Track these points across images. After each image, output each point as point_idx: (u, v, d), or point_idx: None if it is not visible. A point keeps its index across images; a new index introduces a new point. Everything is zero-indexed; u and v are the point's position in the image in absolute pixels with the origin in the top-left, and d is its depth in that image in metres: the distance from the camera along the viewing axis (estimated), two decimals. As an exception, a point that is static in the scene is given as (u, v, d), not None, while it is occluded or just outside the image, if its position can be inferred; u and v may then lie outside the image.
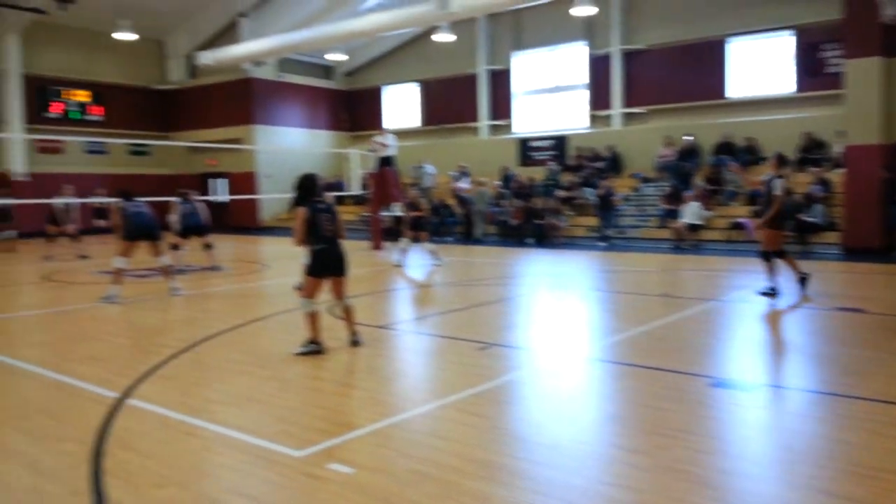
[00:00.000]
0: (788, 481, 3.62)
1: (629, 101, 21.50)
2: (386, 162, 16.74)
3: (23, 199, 18.68)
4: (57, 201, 17.04)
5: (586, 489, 3.53)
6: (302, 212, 6.31)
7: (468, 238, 19.48)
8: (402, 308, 9.83)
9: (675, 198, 17.11)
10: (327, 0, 21.57)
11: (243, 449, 4.13)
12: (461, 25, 22.61)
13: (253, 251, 18.37)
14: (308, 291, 6.42)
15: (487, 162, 22.52)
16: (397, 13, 19.08)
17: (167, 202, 13.99)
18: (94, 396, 5.18)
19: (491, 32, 24.19)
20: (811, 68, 18.21)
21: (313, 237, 6.34)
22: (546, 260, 14.79)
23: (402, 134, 22.00)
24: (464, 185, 21.15)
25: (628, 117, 21.58)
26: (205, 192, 25.28)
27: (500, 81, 24.15)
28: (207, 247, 13.41)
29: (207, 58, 23.22)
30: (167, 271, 10.26)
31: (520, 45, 23.48)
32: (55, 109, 23.98)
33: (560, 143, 22.30)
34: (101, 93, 25.04)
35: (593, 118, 22.22)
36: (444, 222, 19.84)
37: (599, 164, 20.46)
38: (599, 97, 21.94)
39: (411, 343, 7.31)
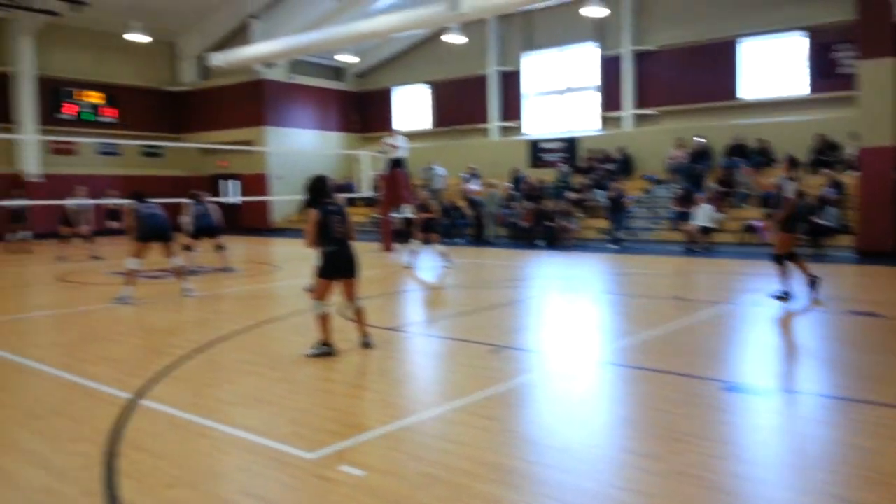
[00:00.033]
0: (801, 486, 3.60)
1: (640, 102, 21.44)
2: (396, 163, 16.76)
3: (36, 201, 18.80)
4: (70, 202, 17.16)
5: (598, 493, 3.52)
6: (313, 214, 6.33)
7: (478, 240, 19.47)
8: (413, 310, 9.83)
9: (687, 200, 17.04)
10: (338, 2, 21.62)
11: (255, 450, 4.14)
12: (471, 26, 22.62)
13: (264, 252, 18.44)
14: (319, 293, 6.43)
15: (498, 163, 22.51)
16: (408, 14, 19.11)
17: (180, 203, 14.05)
18: (107, 397, 5.21)
19: (501, 33, 24.18)
20: (824, 69, 18.10)
21: (324, 239, 6.35)
22: (557, 262, 14.76)
23: (412, 135, 22.04)
24: (474, 186, 21.15)
25: (639, 119, 21.52)
26: (216, 194, 25.40)
27: (511, 83, 24.14)
28: (219, 248, 13.48)
29: (219, 59, 23.34)
30: (180, 272, 10.32)
31: (530, 46, 23.46)
32: (68, 111, 24.17)
33: (571, 144, 22.26)
34: (114, 94, 25.24)
35: (604, 120, 22.17)
36: (455, 224, 19.84)
37: (610, 166, 20.41)
38: (610, 98, 21.89)
39: (422, 345, 7.31)
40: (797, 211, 8.97)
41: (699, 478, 3.64)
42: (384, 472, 3.77)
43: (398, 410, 4.97)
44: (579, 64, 22.67)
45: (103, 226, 18.77)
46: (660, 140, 20.22)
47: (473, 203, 20.20)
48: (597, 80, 22.23)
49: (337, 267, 6.42)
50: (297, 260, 14.58)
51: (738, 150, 18.39)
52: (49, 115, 23.51)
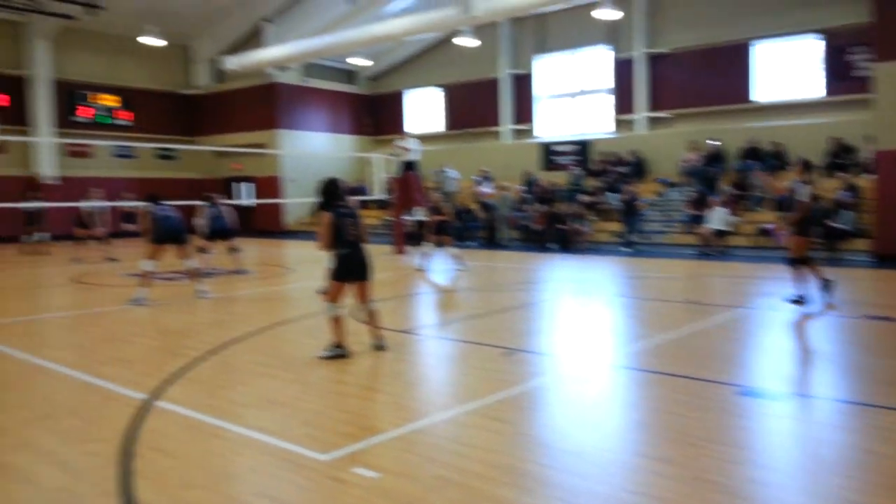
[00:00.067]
0: (817, 492, 3.57)
1: (653, 105, 21.38)
2: (409, 166, 16.79)
3: (52, 203, 18.97)
4: (85, 205, 17.30)
5: (611, 497, 3.51)
6: (326, 217, 6.35)
7: (491, 243, 19.47)
8: (426, 313, 9.84)
9: (701, 203, 16.95)
10: (351, 5, 21.70)
11: (269, 451, 4.16)
12: (484, 29, 22.63)
13: (277, 255, 18.51)
14: (332, 295, 6.45)
15: (510, 166, 22.49)
16: (420, 18, 19.15)
17: (194, 206, 14.14)
18: (122, 398, 5.25)
19: (514, 36, 24.19)
20: (839, 72, 17.97)
21: (337, 242, 6.37)
22: (569, 265, 14.72)
23: (424, 138, 22.05)
24: (486, 189, 21.14)
25: (652, 121, 21.46)
26: (230, 196, 25.53)
27: (523, 85, 24.14)
28: (233, 250, 13.56)
29: (232, 63, 23.48)
30: (194, 274, 10.38)
31: (543, 48, 23.45)
32: (84, 114, 24.40)
33: (583, 147, 22.21)
34: (129, 97, 25.45)
35: (617, 122, 22.12)
36: (467, 227, 19.84)
37: (623, 169, 20.35)
38: (623, 101, 21.84)
39: (435, 348, 7.32)
40: (811, 214, 8.90)
41: (714, 482, 3.61)
42: (397, 475, 3.77)
43: (411, 413, 4.97)
44: (592, 67, 22.63)
45: (118, 228, 18.93)
46: (673, 143, 20.14)
47: (486, 206, 20.20)
48: (610, 82, 22.18)
49: (350, 269, 6.44)
50: (310, 262, 14.63)
51: (752, 153, 18.29)
52: (65, 118, 23.74)
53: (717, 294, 10.85)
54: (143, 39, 21.97)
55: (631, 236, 17.38)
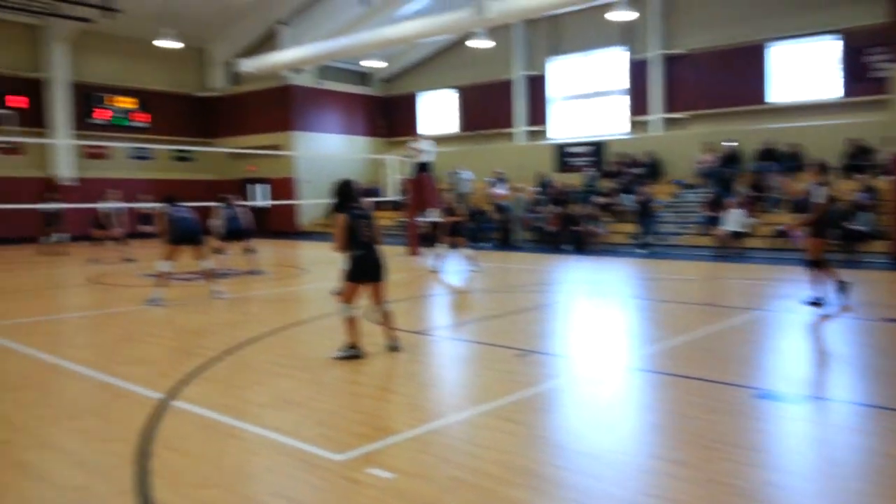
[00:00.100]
0: (834, 496, 3.53)
1: (669, 106, 21.28)
2: (423, 168, 16.81)
3: (70, 204, 19.16)
4: (102, 206, 17.46)
5: (626, 500, 3.50)
6: (341, 219, 6.37)
7: (505, 244, 19.45)
8: (440, 314, 9.84)
9: (717, 204, 16.84)
10: (366, 8, 21.77)
11: (284, 451, 4.18)
12: (497, 31, 22.63)
13: (292, 255, 18.59)
14: (347, 296, 6.47)
15: (524, 168, 22.47)
16: (434, 20, 19.18)
17: (210, 207, 14.24)
18: (139, 397, 5.29)
19: (527, 38, 24.17)
20: (857, 73, 17.81)
21: (352, 243, 6.39)
22: (584, 267, 14.68)
23: (438, 140, 22.06)
24: (500, 190, 21.12)
25: (668, 123, 21.36)
26: (245, 198, 25.67)
27: (537, 87, 24.12)
28: (249, 251, 13.64)
29: (248, 65, 23.63)
30: (210, 275, 10.45)
31: (557, 50, 23.42)
32: (101, 116, 24.64)
33: (598, 149, 22.15)
34: (145, 100, 25.68)
35: (632, 124, 22.04)
36: (481, 228, 19.84)
37: (638, 171, 20.27)
38: (638, 102, 21.77)
39: (449, 349, 7.32)
40: (828, 216, 8.82)
41: (730, 486, 3.59)
42: (412, 475, 3.77)
43: (426, 414, 4.98)
44: (607, 68, 22.57)
45: (135, 229, 19.08)
46: (689, 144, 20.04)
47: (500, 207, 20.18)
48: (625, 83, 22.11)
49: (365, 270, 6.45)
50: (325, 263, 14.68)
51: (768, 155, 18.16)
52: (82, 121, 23.98)
53: (733, 296, 10.78)
54: (159, 42, 22.12)
55: (646, 238, 17.31)
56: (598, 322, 8.91)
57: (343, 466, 3.92)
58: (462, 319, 9.15)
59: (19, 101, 22.73)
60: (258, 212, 24.37)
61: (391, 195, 22.23)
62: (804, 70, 18.96)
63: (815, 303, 8.56)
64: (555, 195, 19.97)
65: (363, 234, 6.41)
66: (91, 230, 17.59)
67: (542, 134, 24.13)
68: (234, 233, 13.45)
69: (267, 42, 24.80)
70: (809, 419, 4.80)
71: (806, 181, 9.74)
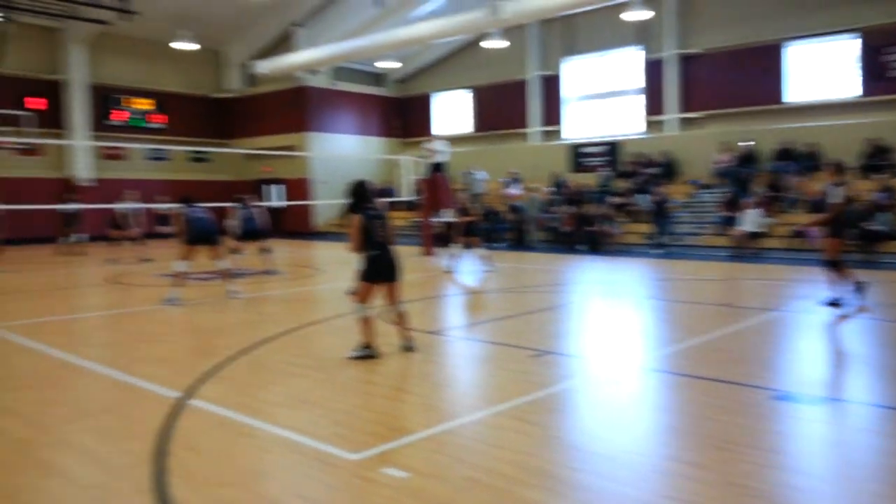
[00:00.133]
0: (852, 498, 3.50)
1: (685, 106, 21.17)
2: (437, 168, 16.82)
3: (88, 204, 19.34)
4: (120, 206, 17.62)
5: (642, 501, 3.48)
6: (356, 219, 6.39)
7: (519, 244, 19.42)
8: (454, 314, 9.84)
9: (734, 204, 16.73)
10: (380, 9, 21.81)
11: (300, 450, 4.20)
12: (512, 31, 22.61)
13: (307, 255, 18.66)
14: (362, 296, 6.48)
15: (538, 168, 22.44)
16: (449, 21, 19.18)
17: (226, 208, 14.35)
18: (157, 396, 5.34)
19: (542, 38, 24.13)
20: (875, 72, 17.63)
21: (367, 243, 6.41)
22: (599, 267, 14.63)
23: (453, 140, 22.07)
24: (514, 191, 21.09)
25: (684, 122, 21.24)
26: (260, 198, 25.80)
27: (552, 87, 24.07)
28: (264, 251, 13.72)
29: (263, 67, 23.75)
30: (226, 275, 10.51)
31: (571, 50, 23.35)
32: (118, 117, 24.86)
33: (612, 148, 22.07)
34: (162, 101, 25.89)
35: (648, 123, 21.95)
36: (495, 228, 19.82)
37: (654, 170, 20.17)
38: (654, 102, 21.67)
39: (463, 349, 7.32)
40: (845, 216, 8.74)
41: (748, 487, 3.56)
42: (427, 475, 3.78)
43: (440, 414, 4.98)
44: (622, 68, 22.48)
45: (152, 229, 19.24)
46: (705, 144, 19.92)
47: (514, 207, 20.16)
48: (640, 83, 22.01)
49: (380, 271, 6.47)
50: (339, 263, 14.74)
51: (785, 155, 18.02)
52: (99, 122, 24.22)
53: (749, 297, 10.70)
54: (176, 44, 22.33)
55: (661, 238, 17.22)
56: (613, 322, 8.87)
57: (358, 466, 3.93)
58: (476, 320, 9.14)
59: (38, 103, 22.98)
60: (273, 212, 24.50)
61: (405, 195, 22.26)
62: (822, 69, 18.79)
63: (834, 303, 8.48)
64: (569, 195, 19.92)
65: (378, 234, 6.43)
66: (109, 230, 17.76)
67: (556, 134, 24.08)
68: (251, 233, 13.54)
69: (282, 44, 24.92)
70: (827, 421, 4.76)
71: (823, 181, 9.64)
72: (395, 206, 21.97)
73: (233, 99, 27.64)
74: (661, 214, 17.37)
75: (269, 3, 22.85)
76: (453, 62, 26.63)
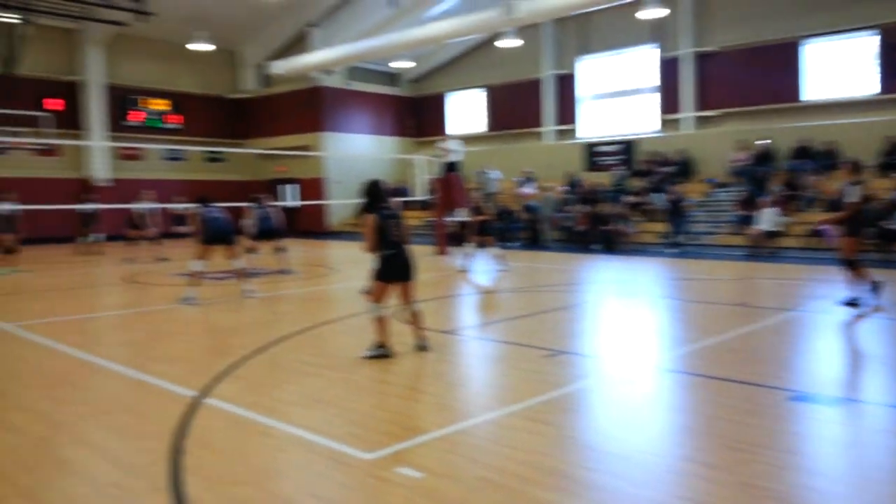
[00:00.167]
0: (869, 500, 3.47)
1: (701, 104, 21.04)
2: (451, 167, 16.82)
3: (106, 204, 19.52)
4: (137, 206, 17.77)
5: (657, 502, 3.46)
6: (371, 219, 6.40)
7: (533, 243, 19.38)
8: (468, 314, 9.84)
9: (751, 203, 16.60)
10: (395, 9, 21.85)
11: (314, 450, 4.22)
12: (526, 30, 22.57)
13: (321, 255, 18.73)
14: (376, 296, 6.50)
15: (553, 167, 22.38)
16: (463, 20, 19.18)
17: (241, 207, 14.43)
18: (173, 395, 5.38)
19: (557, 37, 24.06)
20: (894, 69, 17.42)
21: (382, 243, 6.43)
22: (613, 266, 14.57)
23: (467, 139, 22.07)
24: (529, 190, 21.05)
25: (700, 121, 21.11)
26: (275, 198, 25.93)
27: (566, 86, 24.00)
28: (280, 250, 13.79)
29: (279, 67, 23.86)
30: (241, 274, 10.57)
31: (586, 49, 23.27)
32: (135, 118, 25.07)
33: (627, 147, 21.97)
34: (178, 102, 26.07)
35: (663, 122, 21.83)
36: (509, 227, 19.79)
37: (669, 169, 20.06)
38: (669, 101, 21.55)
39: (477, 349, 7.31)
40: (862, 215, 8.65)
41: (763, 489, 3.54)
42: (440, 475, 3.78)
43: (454, 413, 4.98)
44: (637, 66, 22.37)
45: (169, 229, 19.38)
46: (721, 142, 19.79)
47: (528, 207, 20.12)
48: (655, 81, 21.90)
49: (394, 270, 6.48)
50: (354, 262, 14.77)
51: (803, 153, 17.86)
52: (116, 122, 24.42)
53: (766, 296, 10.61)
54: (192, 45, 22.47)
55: (677, 237, 17.12)
56: (627, 322, 8.83)
57: (372, 465, 3.94)
58: (490, 319, 9.14)
59: (56, 104, 23.22)
60: (288, 212, 24.61)
61: (419, 195, 22.28)
62: (840, 66, 18.60)
63: (852, 303, 8.40)
64: (584, 194, 19.85)
65: (392, 233, 6.44)
66: (126, 230, 17.91)
67: (571, 133, 24.01)
68: (266, 232, 13.61)
69: (297, 44, 25.02)
70: (843, 422, 4.71)
71: (840, 180, 9.55)
72: (408, 205, 22.00)
73: (248, 99, 27.79)
74: (676, 213, 17.27)
75: (285, 4, 22.96)
76: (467, 61, 26.62)
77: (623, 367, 6.23)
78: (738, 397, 5.11)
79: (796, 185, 17.09)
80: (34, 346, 7.38)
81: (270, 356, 6.70)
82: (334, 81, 25.89)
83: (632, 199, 19.21)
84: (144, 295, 11.48)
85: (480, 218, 13.57)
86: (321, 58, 22.60)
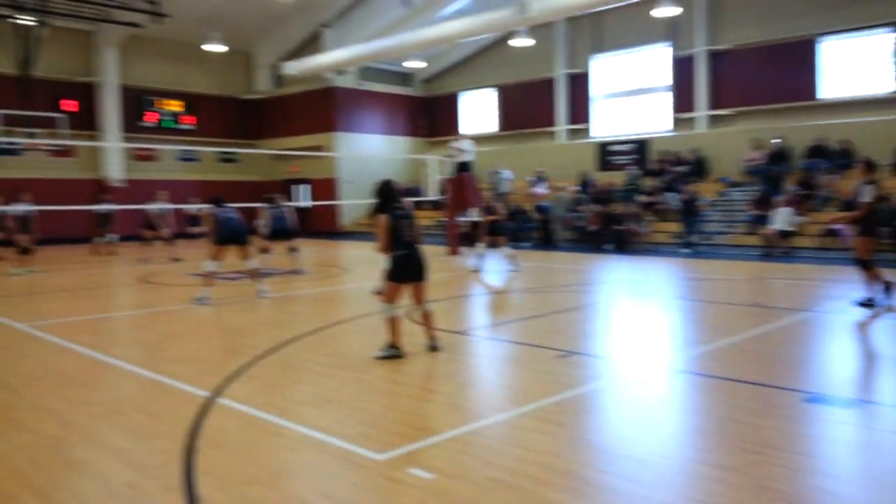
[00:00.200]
0: (886, 502, 3.43)
1: (715, 103, 20.91)
2: (463, 167, 16.81)
3: (121, 205, 19.66)
4: (152, 207, 17.89)
5: (670, 504, 3.45)
6: (384, 219, 6.41)
7: (545, 243, 19.33)
8: (480, 314, 9.83)
9: (765, 203, 16.48)
10: (407, 9, 21.87)
11: (326, 450, 4.22)
12: (539, 29, 22.52)
13: (333, 255, 18.78)
14: (389, 296, 6.51)
15: (565, 166, 22.32)
16: (476, 19, 19.17)
17: (255, 208, 14.49)
18: (186, 395, 5.41)
19: (570, 36, 23.99)
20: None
21: (395, 243, 6.43)
22: (626, 266, 14.52)
23: (479, 139, 22.05)
24: (541, 190, 21.00)
25: (713, 120, 20.99)
26: (289, 198, 26.03)
27: (579, 85, 23.93)
28: (293, 250, 13.84)
29: (292, 68, 23.95)
30: (255, 274, 10.62)
31: (599, 48, 23.18)
32: (149, 119, 25.24)
33: (640, 147, 21.88)
34: (192, 102, 26.21)
35: (676, 121, 21.71)
36: (521, 227, 19.76)
37: (682, 169, 19.96)
38: (682, 99, 21.43)
39: (489, 349, 7.30)
40: (876, 214, 8.56)
41: (779, 491, 3.51)
42: (452, 476, 3.78)
43: (466, 414, 4.98)
44: (650, 65, 22.27)
45: (183, 229, 19.50)
46: (735, 141, 19.66)
47: (540, 207, 20.07)
48: (668, 80, 21.78)
49: (407, 270, 6.48)
50: (366, 263, 14.80)
51: (818, 152, 17.71)
52: (131, 123, 24.60)
53: (780, 297, 10.53)
54: (206, 46, 22.59)
55: (690, 237, 17.03)
56: (640, 323, 8.79)
57: (384, 466, 3.94)
58: (502, 319, 9.12)
59: (71, 105, 23.41)
60: (300, 212, 24.70)
61: (431, 195, 22.28)
62: (856, 64, 18.42)
63: (867, 303, 8.32)
64: (596, 194, 19.79)
65: (405, 234, 6.45)
66: (141, 231, 18.03)
67: (584, 132, 23.94)
68: (280, 232, 13.65)
69: (310, 45, 25.11)
70: (858, 424, 4.67)
71: (854, 179, 9.46)
72: (420, 205, 22.02)
73: (261, 100, 27.91)
74: (689, 213, 17.18)
75: (298, 5, 23.04)
76: (480, 61, 26.60)
77: (635, 368, 6.20)
78: (751, 399, 5.07)
79: (811, 184, 16.95)
80: (48, 345, 7.45)
81: (283, 356, 6.72)
82: (347, 82, 25.95)
83: (645, 198, 19.12)
84: (158, 295, 11.55)
85: (492, 218, 13.56)
86: (334, 58, 22.67)
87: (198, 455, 4.13)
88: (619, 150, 22.37)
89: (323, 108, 25.97)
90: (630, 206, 18.46)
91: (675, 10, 18.68)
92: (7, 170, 21.67)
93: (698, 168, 20.01)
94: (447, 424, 4.68)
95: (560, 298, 10.57)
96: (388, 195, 6.58)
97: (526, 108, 25.31)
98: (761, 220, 16.22)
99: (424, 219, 21.31)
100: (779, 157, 18.28)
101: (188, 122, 26.18)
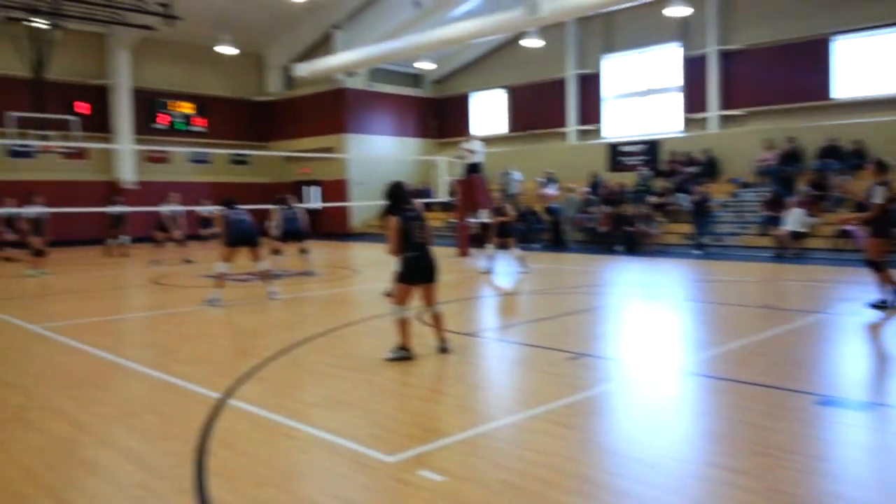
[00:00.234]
0: (903, 509, 3.40)
1: (726, 103, 20.80)
2: (473, 168, 16.80)
3: (133, 207, 19.78)
4: (164, 209, 17.99)
5: (682, 508, 3.43)
6: (394, 221, 6.42)
7: (556, 245, 19.29)
8: (490, 316, 9.82)
9: (777, 204, 16.38)
10: (418, 10, 21.89)
11: (337, 452, 4.23)
12: (550, 30, 22.49)
13: (344, 257, 18.81)
14: (399, 298, 6.51)
15: (576, 167, 22.27)
16: (486, 20, 19.16)
17: (266, 210, 14.54)
18: (197, 396, 5.43)
19: (580, 36, 23.94)
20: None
21: (405, 245, 6.43)
22: (637, 268, 14.46)
23: (489, 140, 22.04)
24: (551, 191, 20.96)
25: (725, 120, 20.88)
26: (300, 199, 26.11)
27: (590, 85, 23.87)
28: (303, 252, 13.87)
29: (303, 70, 24.02)
30: (266, 276, 10.65)
31: (610, 48, 23.13)
32: (162, 121, 25.39)
33: (652, 147, 21.79)
34: (204, 105, 26.34)
35: (687, 121, 21.62)
36: (532, 229, 19.73)
37: (694, 169, 19.87)
38: (694, 100, 21.33)
39: (499, 351, 7.29)
40: (888, 215, 8.49)
41: (790, 495, 3.48)
42: (462, 478, 3.77)
43: (476, 416, 4.97)
44: (661, 65, 22.19)
45: (195, 230, 19.60)
46: (747, 142, 19.55)
47: (550, 208, 20.03)
48: (680, 80, 21.70)
49: (418, 272, 6.48)
50: (376, 264, 14.82)
51: (831, 152, 17.59)
52: (144, 125, 24.74)
53: (794, 299, 10.46)
54: (217, 48, 22.71)
55: (702, 238, 16.95)
56: (651, 325, 8.75)
57: (394, 468, 3.94)
58: (512, 321, 9.11)
59: (84, 108, 23.58)
60: (310, 213, 24.76)
61: (441, 196, 22.28)
62: (870, 64, 18.28)
63: (880, 305, 8.25)
64: (606, 195, 19.73)
65: (416, 235, 6.45)
66: (153, 232, 18.13)
67: (595, 133, 23.87)
68: (292, 234, 13.69)
69: (321, 46, 25.18)
70: (872, 427, 4.63)
71: (866, 180, 9.39)
72: (430, 207, 22.01)
73: (272, 102, 28.01)
74: (701, 214, 17.09)
75: (308, 7, 23.12)
76: (490, 62, 26.59)
77: (646, 370, 6.18)
78: (763, 401, 5.03)
79: (824, 185, 16.83)
80: (60, 346, 7.50)
81: (294, 358, 6.73)
82: (357, 83, 26.00)
83: (655, 199, 19.05)
84: (170, 297, 11.60)
85: (502, 219, 13.53)
86: (345, 59, 22.73)
87: (209, 456, 4.14)
88: (630, 150, 22.29)
89: (333, 110, 26.04)
90: (641, 208, 18.39)
91: (687, 10, 18.60)
92: (20, 172, 21.86)
93: (710, 169, 19.91)
94: (457, 426, 4.67)
95: (570, 300, 10.54)
96: (398, 197, 6.59)
97: (536, 109, 25.27)
98: (773, 221, 16.12)
99: (434, 220, 21.31)
100: (791, 157, 18.16)
101: (200, 124, 26.32)
